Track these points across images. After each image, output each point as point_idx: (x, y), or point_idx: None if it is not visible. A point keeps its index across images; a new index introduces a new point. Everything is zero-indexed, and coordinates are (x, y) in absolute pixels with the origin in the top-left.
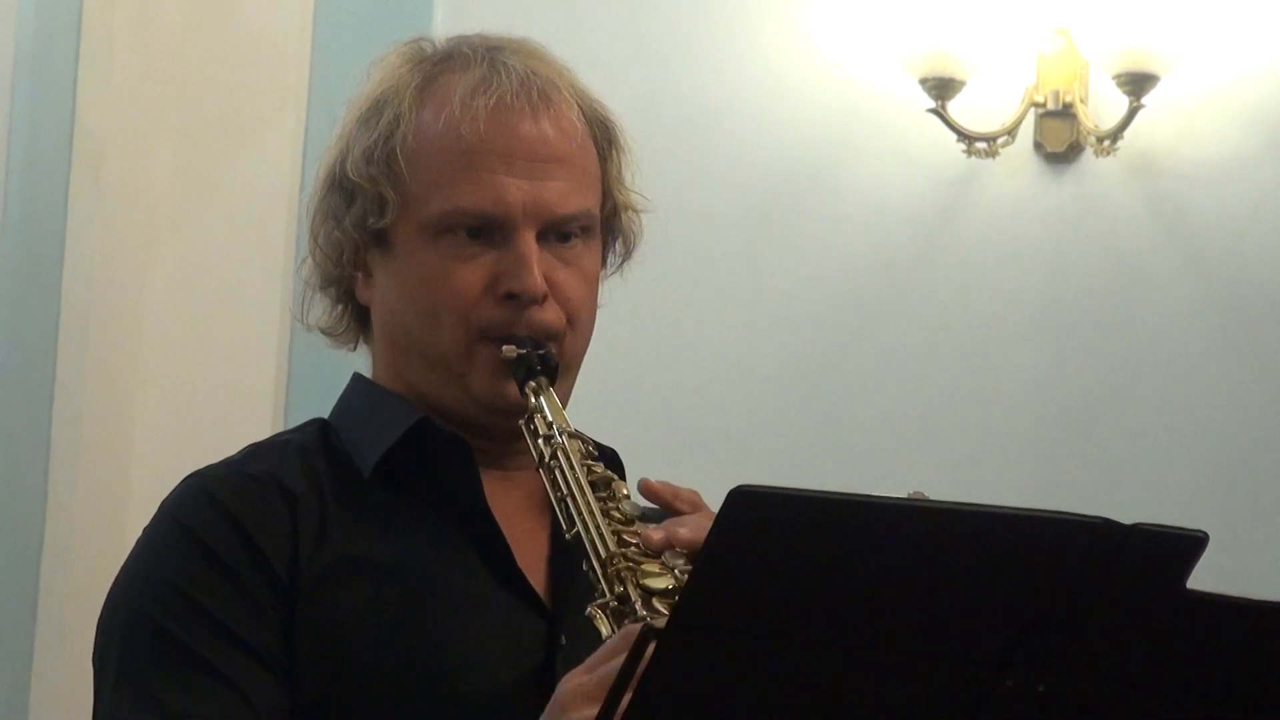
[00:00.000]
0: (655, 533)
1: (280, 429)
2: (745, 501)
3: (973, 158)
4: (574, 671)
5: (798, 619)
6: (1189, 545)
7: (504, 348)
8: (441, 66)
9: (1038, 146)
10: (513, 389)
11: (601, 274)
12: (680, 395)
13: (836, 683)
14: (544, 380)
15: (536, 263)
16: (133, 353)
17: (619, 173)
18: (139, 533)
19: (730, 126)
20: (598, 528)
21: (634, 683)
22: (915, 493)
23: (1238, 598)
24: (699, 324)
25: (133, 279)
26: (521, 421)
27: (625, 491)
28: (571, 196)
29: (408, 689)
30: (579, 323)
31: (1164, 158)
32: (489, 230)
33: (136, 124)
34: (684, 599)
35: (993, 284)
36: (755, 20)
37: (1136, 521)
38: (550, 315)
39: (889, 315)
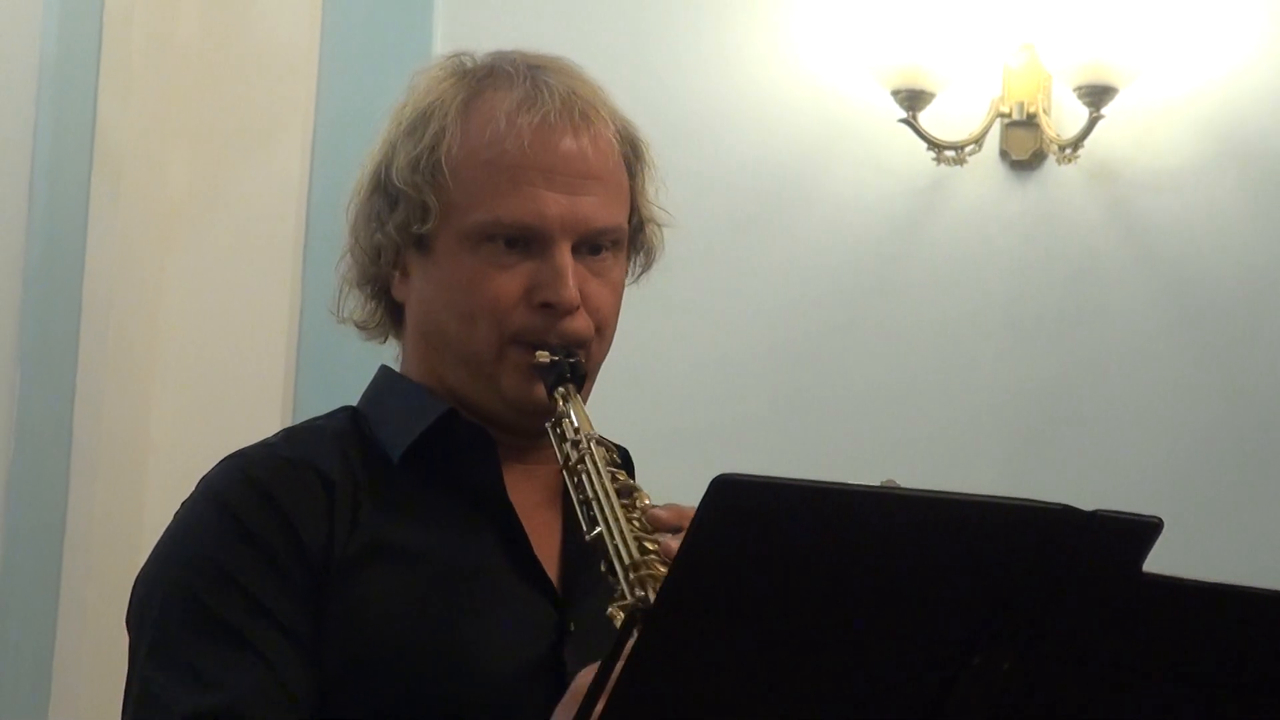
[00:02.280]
0: (674, 541)
1: (289, 420)
2: (727, 489)
3: (942, 165)
4: (591, 666)
5: (777, 601)
6: (1145, 530)
7: (538, 353)
8: (486, 83)
9: (1003, 155)
10: (540, 391)
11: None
12: (665, 392)
13: (813, 661)
14: (572, 388)
15: (572, 275)
16: (150, 349)
17: (644, 188)
18: (157, 519)
19: (711, 135)
20: (622, 534)
21: (621, 660)
22: (887, 481)
23: (1190, 580)
24: (682, 324)
25: (150, 279)
26: (548, 424)
27: (648, 500)
28: (605, 211)
29: (426, 669)
30: (605, 331)
31: (1122, 166)
32: (526, 241)
33: (153, 133)
34: (669, 582)
35: (961, 284)
36: (735, 34)
37: (1096, 508)
38: (581, 324)
39: (864, 314)
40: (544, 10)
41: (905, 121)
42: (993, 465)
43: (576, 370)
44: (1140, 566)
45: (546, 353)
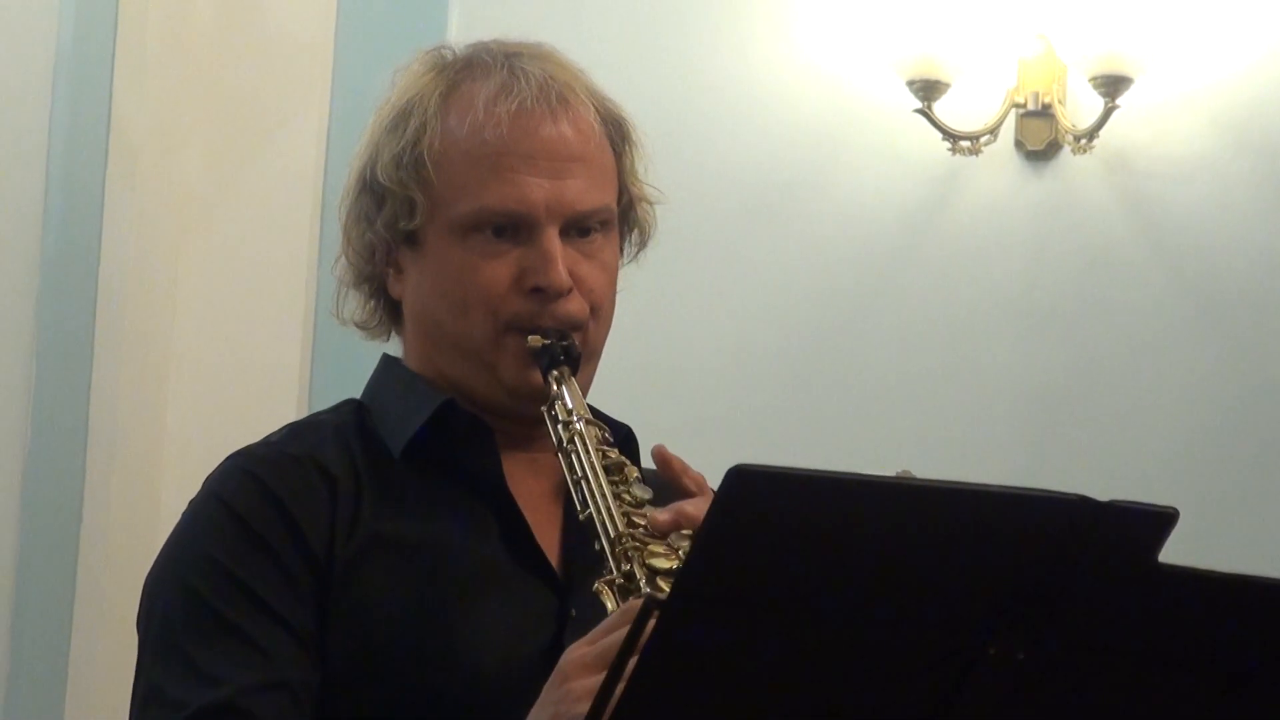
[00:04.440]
0: (662, 514)
1: (305, 412)
2: (743, 479)
3: (957, 155)
4: (577, 643)
5: (792, 591)
6: (1160, 521)
7: (530, 338)
8: (463, 74)
9: (1018, 145)
10: (539, 376)
11: (620, 263)
12: (679, 382)
13: (829, 652)
14: (566, 370)
15: (561, 258)
16: (166, 339)
17: (633, 167)
18: (173, 510)
19: (727, 125)
20: (608, 509)
21: (636, 652)
22: (903, 472)
23: (1205, 571)
24: (697, 315)
25: (166, 269)
26: (544, 408)
27: (637, 475)
28: (590, 193)
29: (425, 665)
30: (601, 312)
31: (1137, 156)
32: (514, 228)
33: (169, 123)
34: (684, 572)
35: (976, 274)
36: (750, 25)
37: (1111, 498)
38: (574, 306)
39: (878, 304)
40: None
41: (920, 112)
42: (1007, 455)
43: (570, 353)
44: (1156, 557)
45: (539, 337)
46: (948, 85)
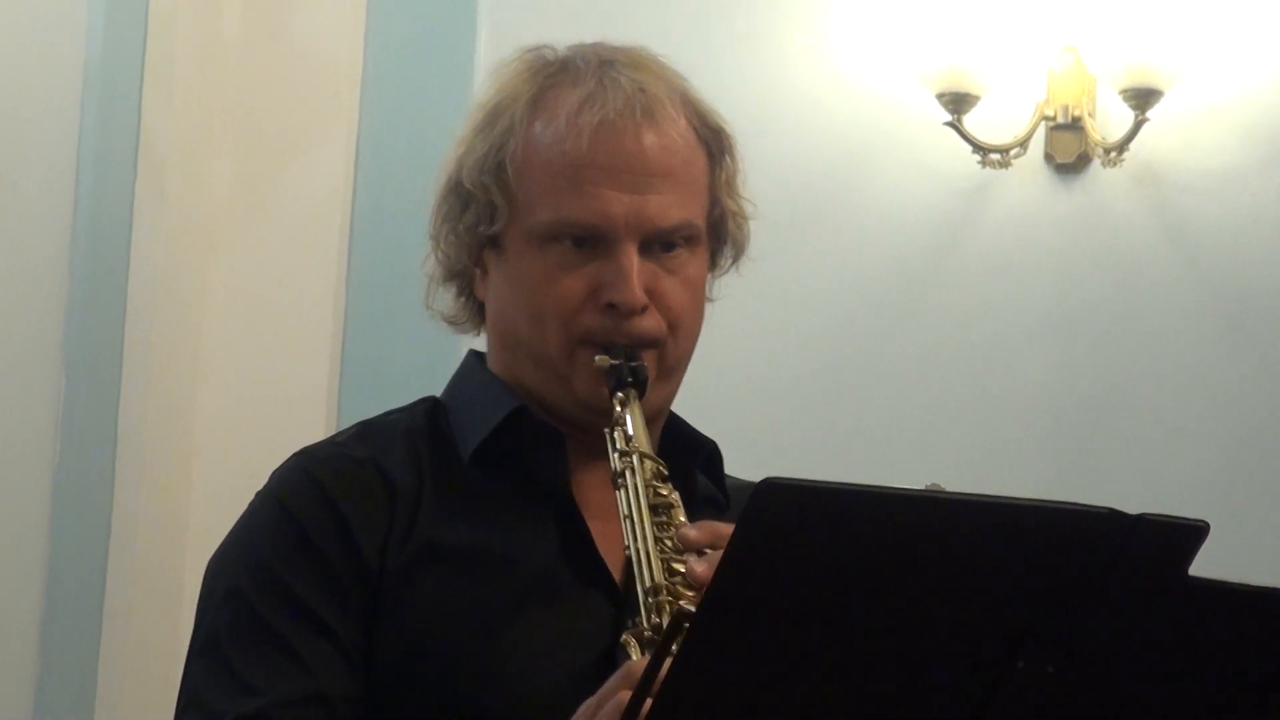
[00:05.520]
0: (699, 565)
1: (333, 427)
2: (773, 492)
3: (987, 168)
4: (586, 702)
5: (822, 604)
6: (1191, 534)
7: (598, 358)
8: (554, 79)
9: (1048, 158)
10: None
11: (711, 276)
12: (708, 395)
13: (858, 664)
14: (632, 393)
15: (637, 275)
16: (194, 351)
17: (729, 180)
18: (202, 522)
19: (756, 138)
20: (648, 554)
21: (668, 663)
22: (932, 485)
23: (1236, 584)
24: (724, 327)
25: (194, 283)
26: (606, 430)
27: (683, 518)
28: (673, 209)
29: (475, 673)
30: (681, 328)
31: (1167, 168)
32: (593, 241)
33: (197, 138)
34: (714, 585)
35: (1005, 287)
36: (779, 38)
37: (1141, 511)
38: (650, 323)
39: (907, 317)
40: (586, 13)
41: (950, 124)
42: (1037, 468)
43: (637, 374)
44: (1186, 570)
45: (606, 357)
46: (977, 98)
